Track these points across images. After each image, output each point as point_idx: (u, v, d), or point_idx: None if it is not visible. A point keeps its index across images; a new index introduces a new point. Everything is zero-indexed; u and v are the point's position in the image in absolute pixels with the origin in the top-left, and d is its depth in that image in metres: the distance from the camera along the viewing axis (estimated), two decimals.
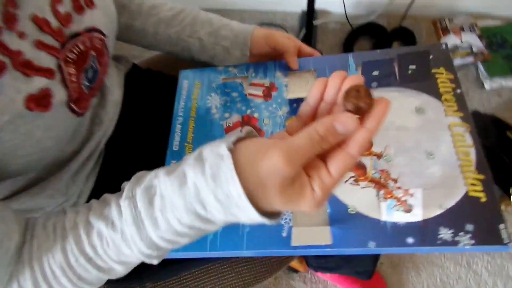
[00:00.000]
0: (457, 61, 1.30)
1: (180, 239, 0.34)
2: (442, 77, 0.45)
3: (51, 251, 0.34)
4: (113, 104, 0.57)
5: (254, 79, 0.54)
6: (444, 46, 0.47)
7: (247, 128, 0.34)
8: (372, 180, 0.41)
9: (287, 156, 0.27)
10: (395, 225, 0.38)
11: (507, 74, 1.24)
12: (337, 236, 0.39)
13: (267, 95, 0.52)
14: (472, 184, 0.37)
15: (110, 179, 0.55)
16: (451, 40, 1.34)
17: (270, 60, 0.57)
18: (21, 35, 0.35)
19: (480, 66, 1.28)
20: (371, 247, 0.37)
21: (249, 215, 0.29)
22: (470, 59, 1.28)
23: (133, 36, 0.63)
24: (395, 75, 0.47)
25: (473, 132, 0.40)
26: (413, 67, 0.46)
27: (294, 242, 0.40)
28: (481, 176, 0.37)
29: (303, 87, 0.51)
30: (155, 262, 0.35)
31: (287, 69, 0.54)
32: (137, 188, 0.33)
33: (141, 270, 0.51)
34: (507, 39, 1.30)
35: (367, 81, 0.48)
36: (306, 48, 0.58)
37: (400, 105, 0.44)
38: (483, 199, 0.37)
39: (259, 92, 0.52)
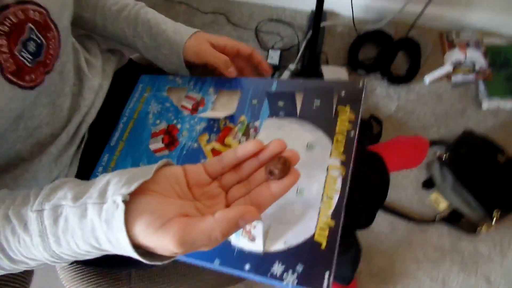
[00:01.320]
0: (458, 77, 1.26)
1: (81, 257, 0.36)
2: (344, 116, 0.45)
3: None
4: (91, 91, 0.59)
5: (191, 91, 0.58)
6: (361, 84, 0.47)
7: (162, 162, 0.34)
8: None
9: (179, 244, 0.28)
10: (240, 250, 0.40)
11: (505, 95, 1.20)
12: None
13: (194, 109, 0.56)
14: (321, 228, 0.38)
15: (93, 164, 0.58)
16: (455, 54, 1.31)
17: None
18: None
19: (481, 85, 1.25)
20: (216, 264, 0.40)
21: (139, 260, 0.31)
22: (471, 77, 1.24)
23: (86, 26, 0.64)
24: (298, 108, 0.48)
25: (346, 178, 0.40)
26: (317, 102, 0.48)
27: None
28: (332, 223, 0.38)
29: (225, 107, 0.54)
30: (64, 265, 0.39)
31: (221, 86, 0.56)
32: (46, 203, 0.35)
33: (127, 258, 0.56)
34: (510, 59, 1.26)
35: (274, 111, 0.50)
36: (257, 56, 0.59)
37: (295, 139, 0.45)
38: (323, 245, 0.37)
39: (189, 105, 0.56)
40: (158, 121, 0.57)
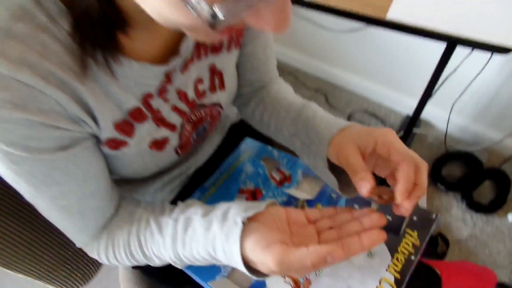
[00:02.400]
0: None
1: (197, 262, 0.45)
2: (410, 239, 0.50)
3: (122, 229, 0.49)
4: (210, 144, 0.70)
5: (283, 166, 0.67)
6: (434, 216, 0.50)
7: (269, 201, 0.43)
8: (295, 281, 0.49)
9: (278, 263, 0.35)
10: None
11: None
12: None
13: (281, 182, 0.64)
14: None
15: (186, 197, 0.68)
16: None
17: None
18: (165, 100, 0.48)
19: None
20: None
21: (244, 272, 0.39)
22: None
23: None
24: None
25: None
26: (389, 217, 0.48)
27: (211, 283, 0.52)
28: None
29: (305, 192, 0.61)
30: (178, 267, 0.48)
31: (309, 171, 0.64)
32: (181, 215, 0.46)
33: (184, 277, 0.61)
34: None
35: (347, 203, 0.56)
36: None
37: None
38: None
39: (278, 177, 0.65)
40: (248, 181, 0.67)
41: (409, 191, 0.39)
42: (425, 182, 0.40)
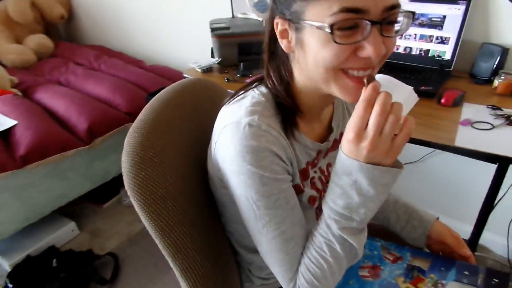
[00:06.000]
0: None
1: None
2: None
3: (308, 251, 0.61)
4: None
5: (392, 250, 0.84)
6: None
7: None
8: None
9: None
10: None
11: None
12: None
13: (394, 261, 0.81)
14: None
15: None
16: None
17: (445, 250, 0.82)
18: (315, 171, 0.71)
19: None
20: None
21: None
22: None
23: None
24: (479, 281, 0.70)
25: None
26: (496, 281, 0.69)
27: None
28: None
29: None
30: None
31: (416, 254, 0.80)
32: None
33: None
34: None
35: (459, 278, 0.72)
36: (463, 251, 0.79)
37: None
38: None
39: (391, 258, 0.82)
40: (366, 260, 0.84)
41: None
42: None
